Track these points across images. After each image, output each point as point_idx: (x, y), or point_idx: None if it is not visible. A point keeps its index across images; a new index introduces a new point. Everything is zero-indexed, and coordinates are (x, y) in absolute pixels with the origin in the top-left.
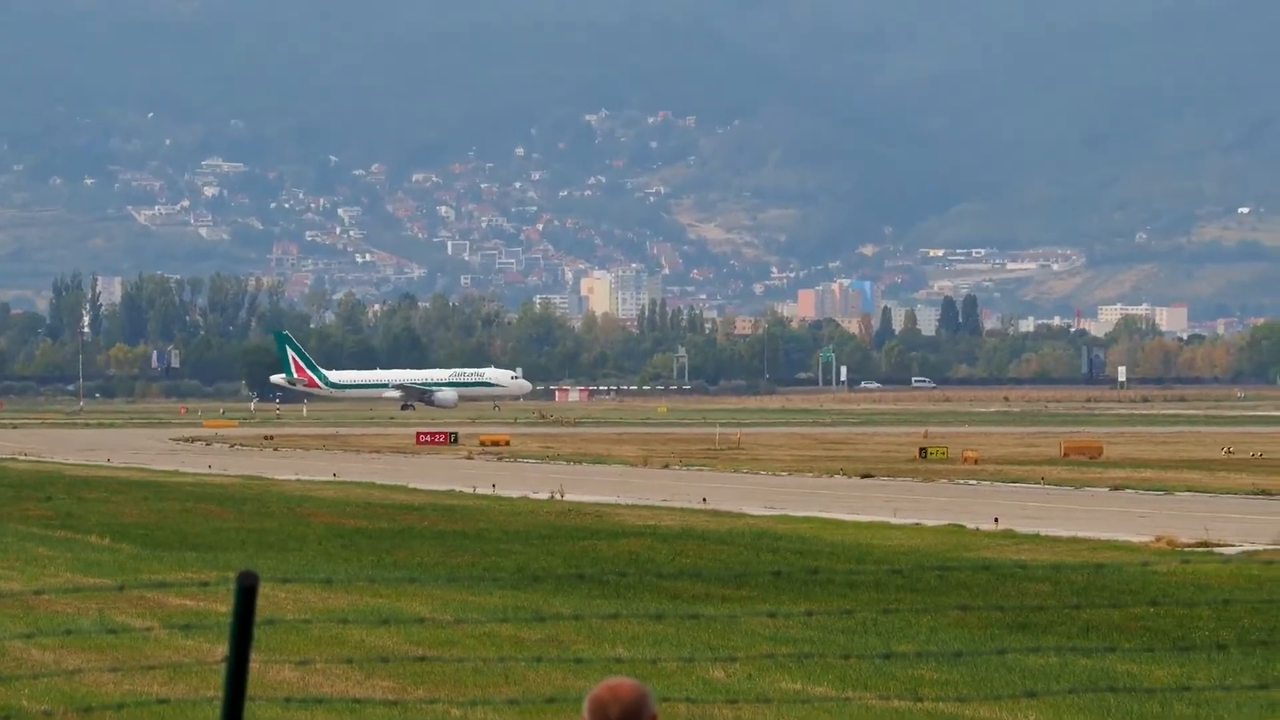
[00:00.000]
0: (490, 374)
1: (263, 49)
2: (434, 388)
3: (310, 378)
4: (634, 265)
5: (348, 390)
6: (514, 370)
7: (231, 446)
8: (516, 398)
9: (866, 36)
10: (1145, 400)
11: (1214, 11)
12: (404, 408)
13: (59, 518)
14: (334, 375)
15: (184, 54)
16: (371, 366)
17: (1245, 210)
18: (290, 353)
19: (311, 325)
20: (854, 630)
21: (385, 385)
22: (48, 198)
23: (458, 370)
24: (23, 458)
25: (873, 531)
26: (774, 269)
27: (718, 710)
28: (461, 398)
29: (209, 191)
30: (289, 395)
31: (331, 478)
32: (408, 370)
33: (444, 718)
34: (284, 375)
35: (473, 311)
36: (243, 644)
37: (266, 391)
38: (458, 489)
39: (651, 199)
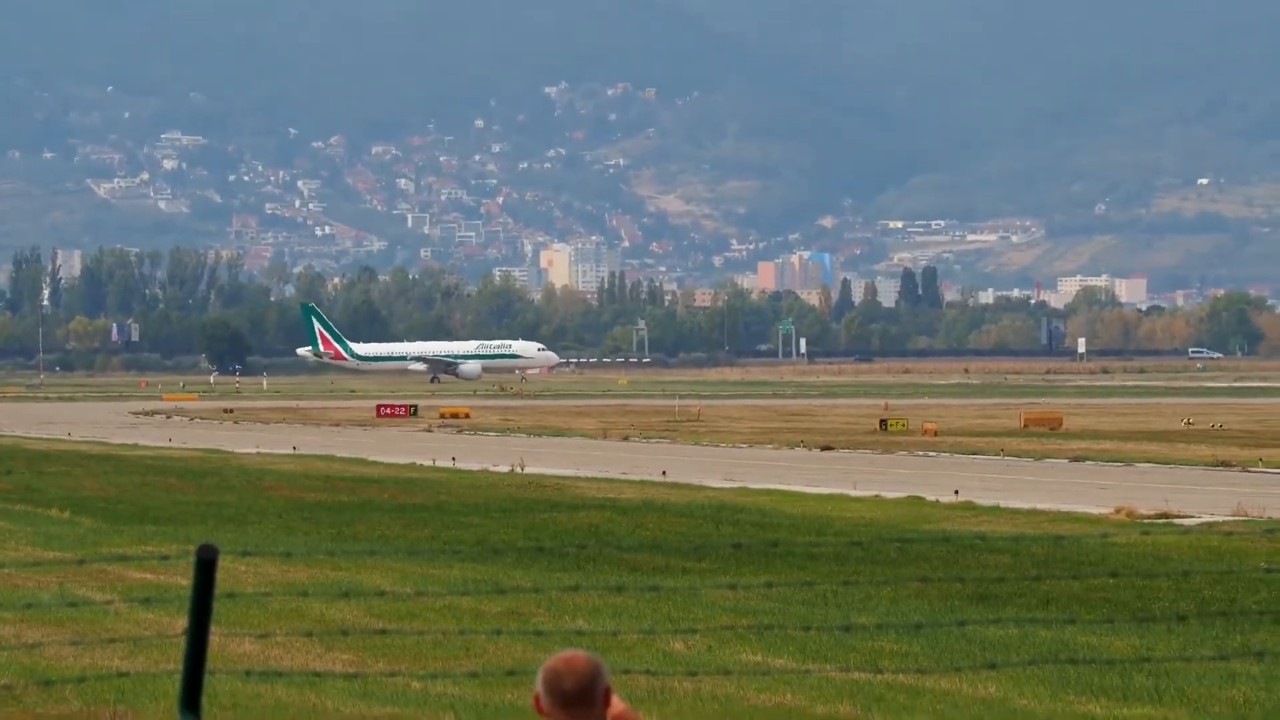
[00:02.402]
0: (517, 346)
1: (221, 21)
2: (458, 360)
3: (337, 350)
4: (594, 238)
5: (373, 363)
6: (539, 343)
7: (191, 420)
8: (541, 369)
9: (827, 9)
10: (1105, 372)
11: None
12: (432, 380)
13: (18, 491)
14: (360, 348)
15: (143, 27)
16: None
17: (1204, 181)
18: (317, 326)
19: (271, 298)
20: (814, 602)
21: (409, 358)
22: (6, 171)
23: (483, 342)
24: None
25: (832, 504)
26: (734, 241)
27: (678, 682)
28: (486, 370)
29: (168, 164)
30: (249, 368)
31: (291, 451)
32: (434, 342)
33: (404, 690)
34: (310, 348)
35: (432, 284)
36: (202, 617)
37: (226, 365)
38: (418, 462)
39: (611, 171)
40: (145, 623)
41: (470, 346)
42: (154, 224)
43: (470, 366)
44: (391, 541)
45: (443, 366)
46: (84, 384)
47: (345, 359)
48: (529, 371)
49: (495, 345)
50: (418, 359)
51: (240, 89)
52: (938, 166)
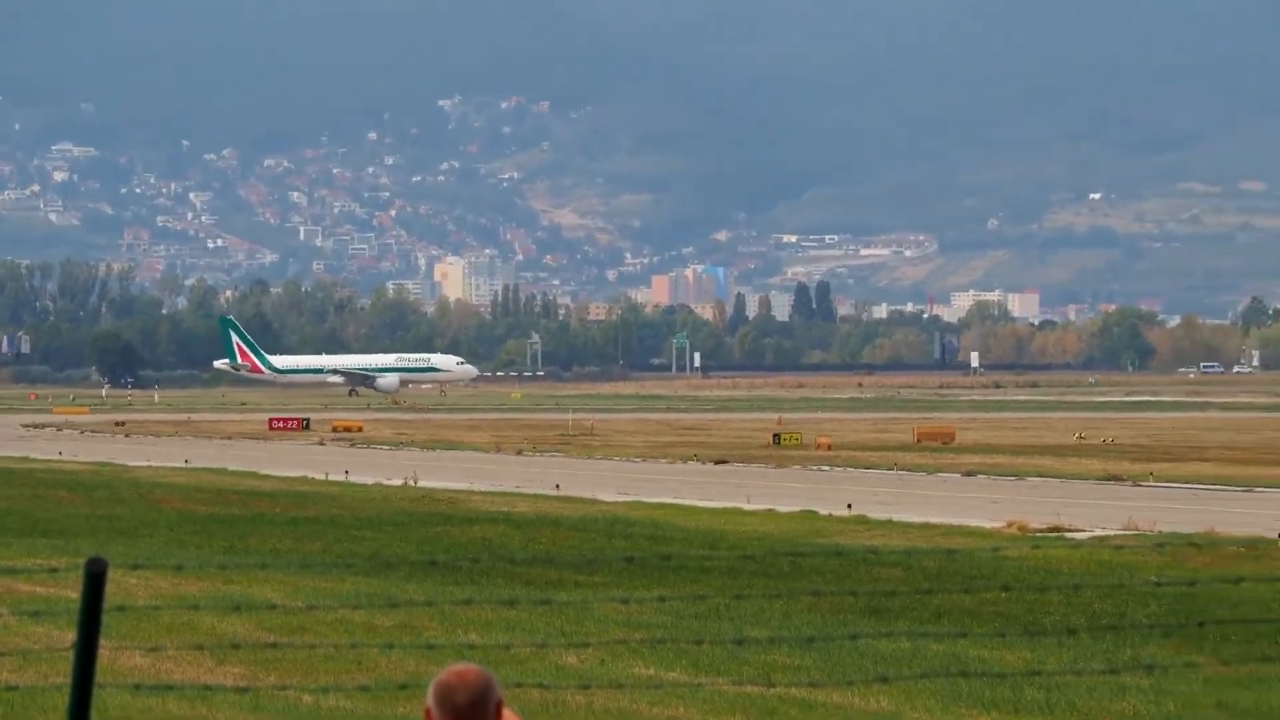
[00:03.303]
0: (436, 359)
1: (113, 32)
2: (376, 373)
3: (254, 363)
4: (487, 251)
5: (291, 375)
6: (459, 357)
7: (82, 433)
8: (462, 382)
9: (719, 22)
10: (997, 386)
11: (1061, 2)
12: (351, 393)
13: None
14: (278, 361)
15: (34, 37)
16: (220, 355)
17: (1096, 196)
18: (235, 338)
19: (163, 311)
20: (706, 616)
21: (326, 370)
22: None
23: (403, 355)
24: None
25: (726, 518)
26: (628, 255)
27: (570, 696)
28: (405, 383)
29: (59, 176)
30: (141, 381)
31: (183, 464)
32: (353, 355)
33: (295, 704)
34: (228, 361)
35: (325, 297)
36: (91, 630)
37: (117, 377)
38: (310, 475)
39: (505, 184)
40: (34, 636)
41: (389, 359)
42: (45, 236)
43: (388, 380)
44: (283, 555)
45: (360, 379)
46: None
47: (263, 371)
48: (449, 385)
49: (414, 358)
50: (335, 371)
51: (132, 101)
52: (831, 180)
